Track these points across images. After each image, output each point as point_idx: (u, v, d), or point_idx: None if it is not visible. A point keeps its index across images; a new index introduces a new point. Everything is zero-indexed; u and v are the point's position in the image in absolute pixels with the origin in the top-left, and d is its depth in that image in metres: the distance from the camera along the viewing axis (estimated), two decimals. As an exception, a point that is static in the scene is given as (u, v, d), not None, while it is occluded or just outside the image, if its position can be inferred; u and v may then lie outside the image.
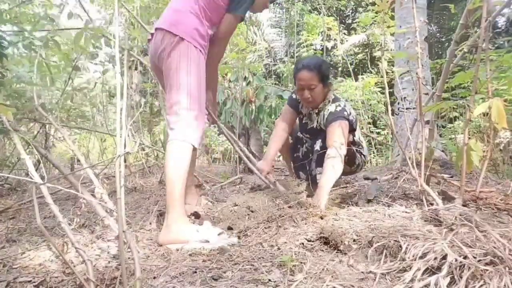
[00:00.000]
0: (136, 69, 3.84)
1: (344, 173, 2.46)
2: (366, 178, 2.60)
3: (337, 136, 2.12)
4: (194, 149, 1.61)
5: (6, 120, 1.58)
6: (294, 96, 2.47)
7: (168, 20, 1.66)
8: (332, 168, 1.97)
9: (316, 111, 2.36)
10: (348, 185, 2.42)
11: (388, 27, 1.95)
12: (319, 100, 2.29)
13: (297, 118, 2.51)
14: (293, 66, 2.49)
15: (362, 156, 2.45)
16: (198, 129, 1.60)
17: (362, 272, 1.00)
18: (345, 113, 2.25)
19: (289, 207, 1.62)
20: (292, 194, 1.81)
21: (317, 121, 2.36)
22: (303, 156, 2.56)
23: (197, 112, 1.59)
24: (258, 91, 3.91)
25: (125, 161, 1.14)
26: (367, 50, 8.95)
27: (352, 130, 2.31)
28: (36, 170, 1.45)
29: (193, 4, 1.65)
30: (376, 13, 2.03)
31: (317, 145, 2.29)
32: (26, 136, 1.99)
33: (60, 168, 1.89)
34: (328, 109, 2.27)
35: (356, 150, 2.40)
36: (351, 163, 2.38)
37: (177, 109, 1.57)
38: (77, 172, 1.98)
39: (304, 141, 2.56)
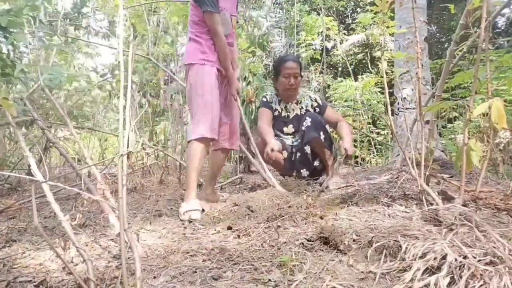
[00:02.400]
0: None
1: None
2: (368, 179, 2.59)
3: (340, 115, 2.87)
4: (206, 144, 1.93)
5: (10, 116, 1.58)
6: (265, 99, 2.87)
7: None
8: (350, 131, 2.64)
9: (295, 101, 2.81)
10: (348, 183, 2.43)
11: (388, 27, 1.95)
12: (297, 89, 2.76)
13: (273, 119, 2.83)
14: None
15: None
16: (199, 124, 1.89)
17: (362, 272, 1.00)
18: None
19: (289, 207, 1.62)
20: (292, 194, 1.82)
21: (303, 107, 2.79)
22: (296, 149, 2.64)
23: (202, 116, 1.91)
24: (258, 91, 3.92)
25: (128, 159, 1.14)
26: (366, 50, 8.95)
27: None
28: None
29: (190, 35, 2.02)
30: (375, 13, 2.04)
31: (307, 122, 2.57)
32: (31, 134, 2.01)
33: (69, 159, 1.92)
34: (312, 96, 2.83)
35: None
36: (331, 146, 2.71)
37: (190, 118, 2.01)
38: (80, 169, 1.98)
39: (286, 141, 2.76)
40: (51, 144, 2.16)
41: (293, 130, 2.76)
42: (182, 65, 2.16)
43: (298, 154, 2.63)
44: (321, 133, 2.52)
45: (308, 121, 2.55)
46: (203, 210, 1.79)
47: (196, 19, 1.97)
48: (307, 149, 2.58)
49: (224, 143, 2.11)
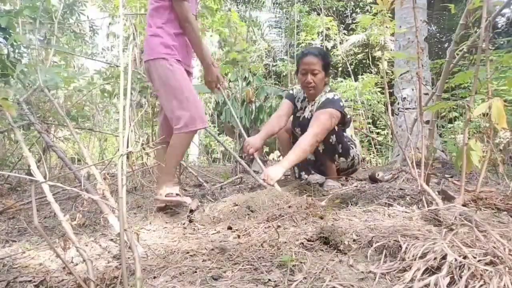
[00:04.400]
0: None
1: (343, 170, 2.50)
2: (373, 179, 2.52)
3: (320, 123, 2.19)
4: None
5: (10, 116, 1.58)
6: (291, 91, 2.58)
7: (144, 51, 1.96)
8: (300, 150, 2.12)
9: (312, 103, 2.45)
10: (347, 182, 2.43)
11: (387, 27, 1.95)
12: (319, 88, 2.39)
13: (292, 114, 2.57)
14: (293, 66, 2.57)
15: (356, 151, 2.51)
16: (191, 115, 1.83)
17: (362, 272, 1.00)
18: (341, 103, 2.34)
19: (289, 207, 1.62)
20: (292, 194, 1.82)
21: (310, 110, 2.44)
22: None
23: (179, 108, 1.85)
24: (258, 91, 3.92)
25: (127, 159, 1.15)
26: (367, 50, 8.95)
27: (343, 123, 2.40)
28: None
29: (149, 28, 1.90)
30: (374, 14, 2.04)
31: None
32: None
33: (67, 161, 1.92)
34: (326, 96, 2.35)
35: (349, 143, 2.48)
36: (346, 154, 2.44)
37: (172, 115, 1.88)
38: (79, 170, 1.99)
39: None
40: (49, 147, 2.16)
41: (300, 133, 2.49)
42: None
43: None
44: (321, 143, 2.32)
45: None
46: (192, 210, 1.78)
47: (156, 5, 1.86)
48: (310, 156, 2.41)
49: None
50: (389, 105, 1.97)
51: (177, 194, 1.84)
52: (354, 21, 10.09)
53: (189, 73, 2.02)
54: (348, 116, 2.45)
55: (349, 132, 2.50)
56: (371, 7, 9.78)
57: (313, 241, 1.24)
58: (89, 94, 3.74)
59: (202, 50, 1.92)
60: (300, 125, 2.50)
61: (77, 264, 1.19)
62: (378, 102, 6.28)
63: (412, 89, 3.69)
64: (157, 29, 1.86)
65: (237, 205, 1.69)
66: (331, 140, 2.33)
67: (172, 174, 1.92)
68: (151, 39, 1.88)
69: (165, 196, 1.81)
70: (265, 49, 10.76)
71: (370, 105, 6.18)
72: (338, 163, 2.44)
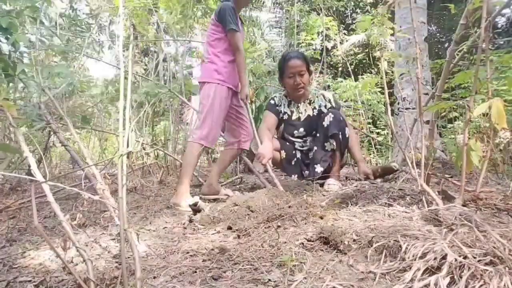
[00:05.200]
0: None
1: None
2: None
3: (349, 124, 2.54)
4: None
5: (10, 116, 1.58)
6: (272, 101, 2.71)
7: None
8: (358, 142, 2.62)
9: (308, 102, 2.66)
10: (347, 182, 2.43)
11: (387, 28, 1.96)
12: (306, 87, 2.59)
13: (281, 123, 2.70)
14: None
15: None
16: (204, 132, 2.20)
17: (362, 272, 1.00)
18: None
19: (289, 207, 1.62)
20: (292, 194, 1.82)
21: (316, 107, 2.63)
22: (304, 154, 2.60)
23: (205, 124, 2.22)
24: (258, 91, 3.92)
25: (128, 158, 1.15)
26: (367, 50, 8.95)
27: None
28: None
29: (207, 55, 2.30)
30: (374, 16, 2.05)
31: (327, 121, 2.44)
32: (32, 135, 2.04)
33: (79, 161, 1.96)
34: (326, 96, 2.66)
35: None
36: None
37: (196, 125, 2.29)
38: (87, 167, 1.99)
39: (294, 144, 2.63)
40: (63, 146, 2.22)
41: (304, 133, 2.62)
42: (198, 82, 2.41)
43: (315, 148, 2.50)
44: (341, 133, 2.41)
45: (330, 117, 2.43)
46: (199, 211, 1.79)
47: (216, 37, 2.25)
48: (328, 145, 2.45)
49: (244, 145, 2.42)
50: (389, 105, 1.97)
51: (195, 205, 1.86)
52: (354, 21, 10.09)
53: (235, 93, 2.36)
54: None
55: None
56: (371, 7, 9.78)
57: (313, 241, 1.24)
58: (90, 95, 3.74)
59: (244, 74, 2.29)
60: (304, 124, 2.63)
61: (77, 264, 1.19)
62: (378, 102, 6.26)
63: (412, 89, 3.69)
64: (214, 56, 2.27)
65: (237, 205, 1.69)
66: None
67: (185, 182, 2.13)
68: (208, 64, 2.29)
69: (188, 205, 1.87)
70: (265, 49, 10.74)
71: (370, 105, 6.17)
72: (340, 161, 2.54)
